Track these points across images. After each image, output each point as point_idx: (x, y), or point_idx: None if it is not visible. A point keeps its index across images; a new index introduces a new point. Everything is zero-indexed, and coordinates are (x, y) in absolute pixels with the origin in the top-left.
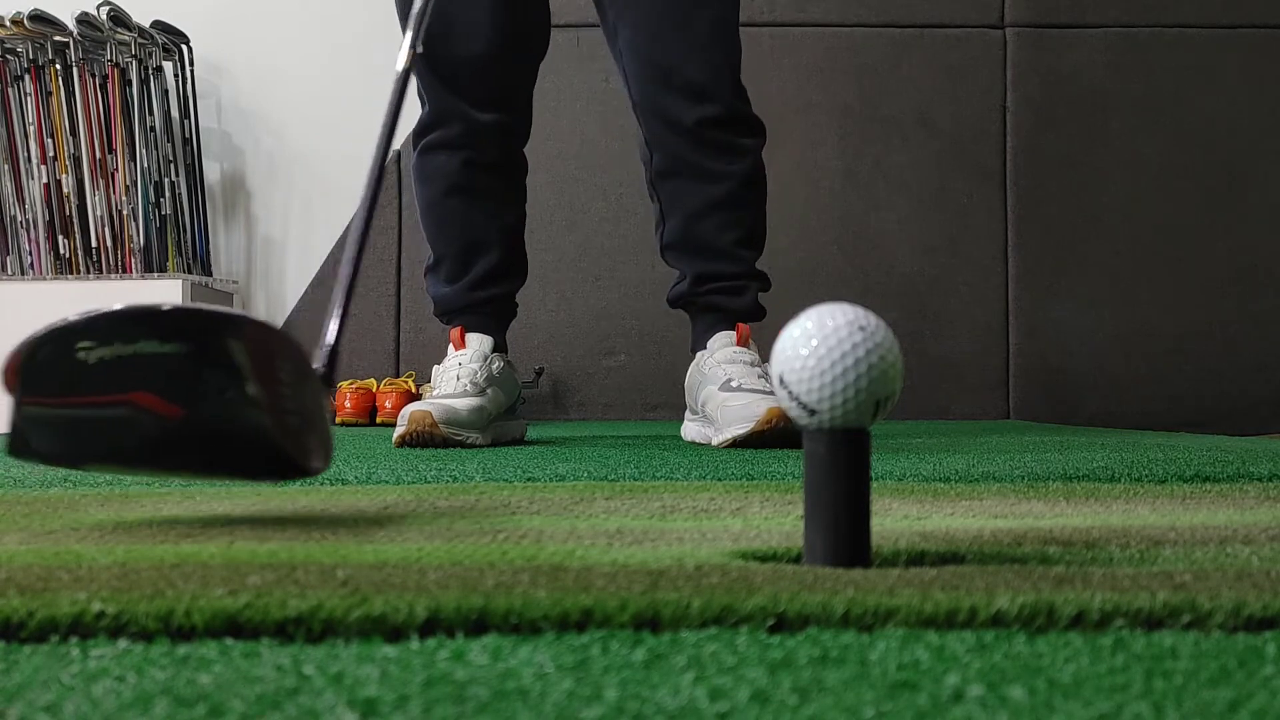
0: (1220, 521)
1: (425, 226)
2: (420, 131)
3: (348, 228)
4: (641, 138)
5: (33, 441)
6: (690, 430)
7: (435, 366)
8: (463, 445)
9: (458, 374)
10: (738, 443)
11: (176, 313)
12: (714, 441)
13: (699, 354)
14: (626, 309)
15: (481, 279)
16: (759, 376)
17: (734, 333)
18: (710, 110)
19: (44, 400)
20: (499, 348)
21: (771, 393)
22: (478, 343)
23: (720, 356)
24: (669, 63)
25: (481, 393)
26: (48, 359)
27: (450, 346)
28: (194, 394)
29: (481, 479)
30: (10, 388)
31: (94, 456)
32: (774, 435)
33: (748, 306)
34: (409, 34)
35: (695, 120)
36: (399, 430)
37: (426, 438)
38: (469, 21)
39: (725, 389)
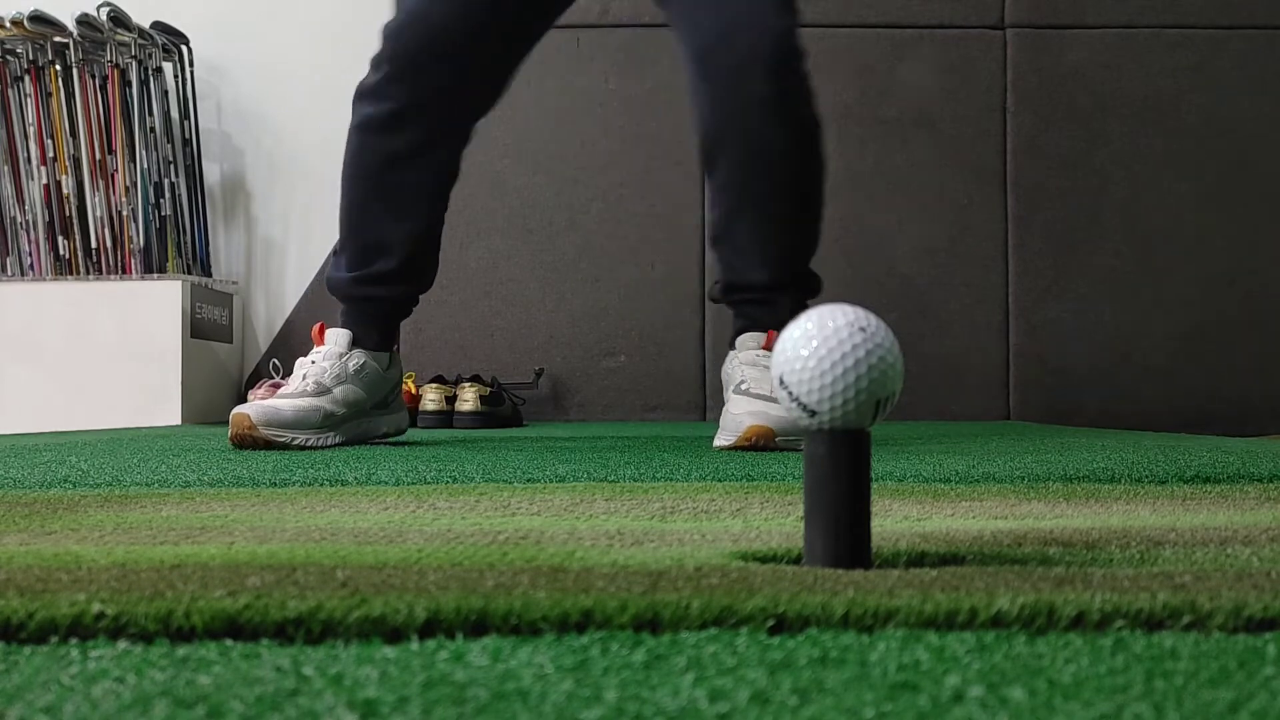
0: (1220, 522)
1: (340, 201)
2: (366, 95)
3: None
4: (705, 108)
5: None
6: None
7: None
8: (287, 447)
9: (305, 372)
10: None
11: None
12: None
13: (730, 353)
14: (626, 310)
15: (374, 278)
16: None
17: (763, 335)
18: (800, 109)
19: None
20: (363, 344)
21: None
22: (333, 340)
23: (744, 358)
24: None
25: (324, 392)
26: None
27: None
28: None
29: (481, 480)
30: None
31: None
32: (751, 451)
33: (780, 316)
34: None
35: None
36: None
37: (249, 440)
38: (475, 10)
39: (737, 391)
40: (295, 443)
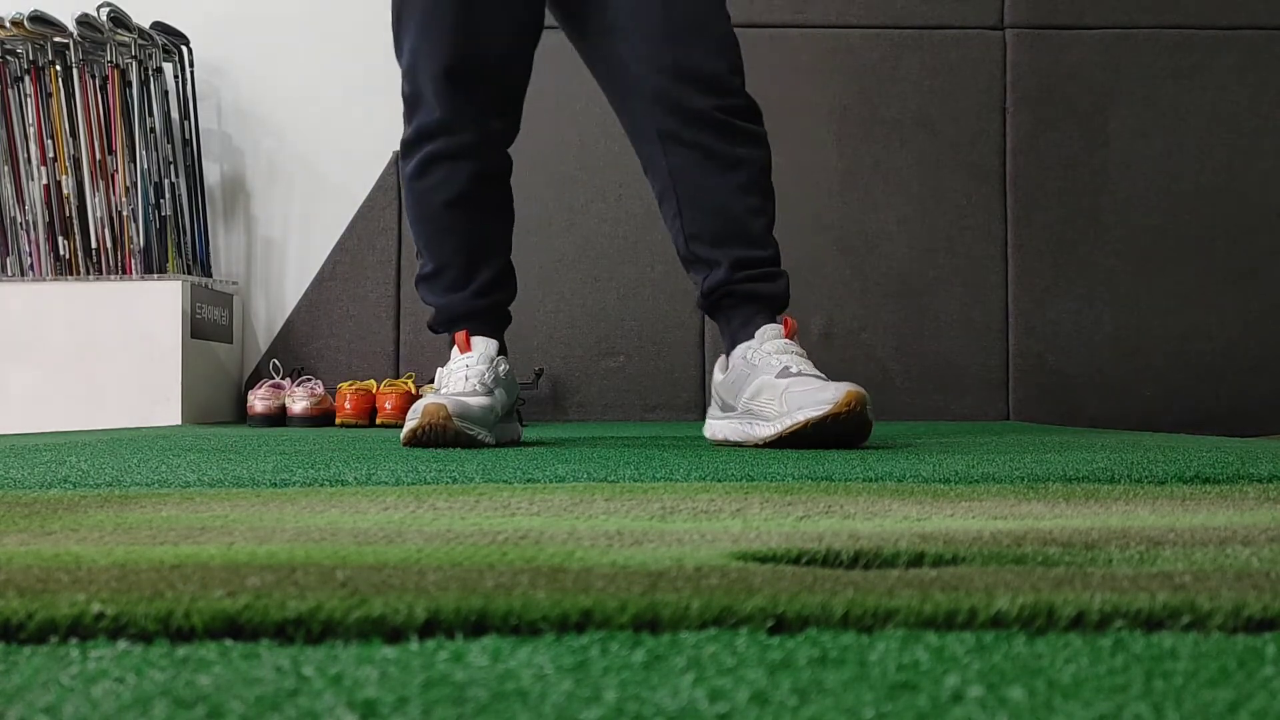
0: (1220, 523)
1: (423, 235)
2: (420, 138)
3: (347, 228)
4: (653, 149)
5: None
6: (723, 429)
7: (440, 369)
8: (473, 443)
9: (466, 375)
10: (802, 429)
11: None
12: (764, 435)
13: (742, 345)
14: (625, 310)
15: (485, 287)
16: (814, 367)
17: (781, 325)
18: (731, 100)
19: None
20: (502, 352)
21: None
22: (484, 345)
23: (771, 347)
24: (688, 60)
25: (490, 393)
26: None
27: (455, 350)
28: None
29: (481, 480)
30: None
31: None
32: (849, 420)
33: (783, 293)
34: None
35: (715, 107)
36: (410, 424)
37: (439, 431)
38: (492, 20)
39: (785, 375)
40: (480, 438)
